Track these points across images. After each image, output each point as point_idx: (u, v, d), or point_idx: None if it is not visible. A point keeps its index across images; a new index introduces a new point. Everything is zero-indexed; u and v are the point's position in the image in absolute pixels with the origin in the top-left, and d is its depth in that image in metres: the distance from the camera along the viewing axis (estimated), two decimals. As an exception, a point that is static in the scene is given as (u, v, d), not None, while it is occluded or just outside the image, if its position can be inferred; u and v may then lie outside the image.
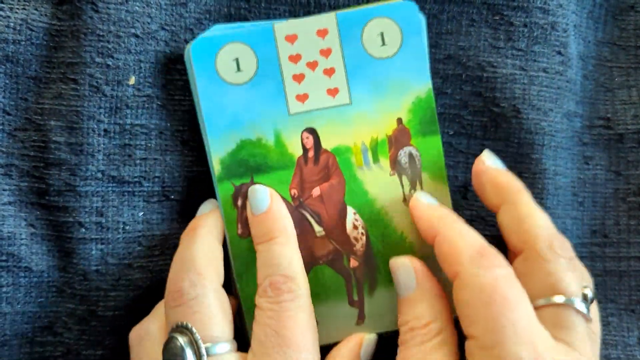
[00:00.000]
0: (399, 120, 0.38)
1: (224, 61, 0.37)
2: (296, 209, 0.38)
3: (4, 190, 0.37)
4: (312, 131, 0.38)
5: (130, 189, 0.38)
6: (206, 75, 0.37)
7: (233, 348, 0.34)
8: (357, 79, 0.37)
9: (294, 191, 0.38)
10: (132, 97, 0.38)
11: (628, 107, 0.43)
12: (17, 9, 0.38)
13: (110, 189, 0.38)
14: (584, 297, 0.33)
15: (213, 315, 0.34)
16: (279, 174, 0.38)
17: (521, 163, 0.40)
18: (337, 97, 0.37)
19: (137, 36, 0.38)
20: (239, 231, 0.38)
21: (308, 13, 0.39)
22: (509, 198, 0.36)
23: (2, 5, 0.37)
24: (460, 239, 0.34)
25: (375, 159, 0.38)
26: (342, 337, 0.38)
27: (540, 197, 0.41)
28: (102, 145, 0.38)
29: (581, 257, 0.42)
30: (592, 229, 0.43)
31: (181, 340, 0.33)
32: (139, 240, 0.39)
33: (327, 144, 0.38)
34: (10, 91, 0.38)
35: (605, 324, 0.42)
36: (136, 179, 0.38)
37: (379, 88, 0.38)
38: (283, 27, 0.37)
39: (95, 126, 0.38)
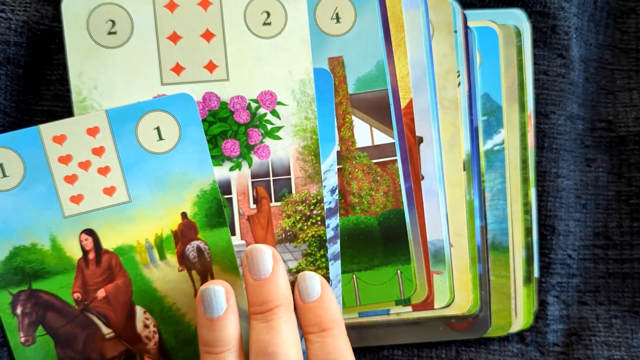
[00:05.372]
0: (184, 215, 0.37)
1: None
2: (81, 312, 0.37)
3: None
4: (91, 232, 0.36)
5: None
6: None
7: None
8: (135, 176, 0.36)
9: (77, 295, 0.37)
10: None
11: (629, 110, 0.43)
12: (19, 11, 0.37)
13: None
14: None
15: None
16: (58, 278, 0.36)
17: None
18: (114, 195, 0.36)
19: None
20: (22, 339, 0.36)
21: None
22: None
23: (4, 7, 0.37)
24: None
25: (162, 256, 0.37)
26: None
27: (541, 199, 0.41)
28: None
29: (584, 260, 0.42)
30: (595, 231, 0.43)
31: None
32: None
33: (108, 244, 0.36)
34: (11, 93, 0.37)
35: (608, 325, 0.42)
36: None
37: (160, 183, 0.36)
38: (49, 128, 0.36)
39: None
